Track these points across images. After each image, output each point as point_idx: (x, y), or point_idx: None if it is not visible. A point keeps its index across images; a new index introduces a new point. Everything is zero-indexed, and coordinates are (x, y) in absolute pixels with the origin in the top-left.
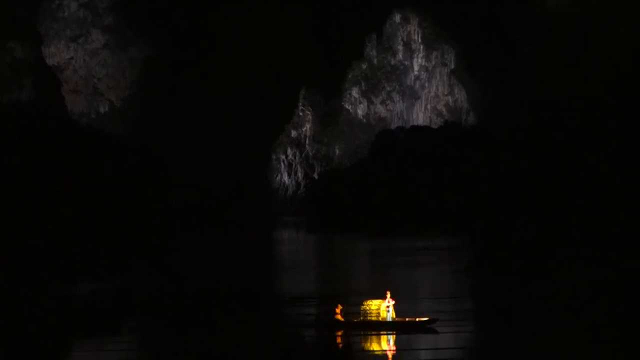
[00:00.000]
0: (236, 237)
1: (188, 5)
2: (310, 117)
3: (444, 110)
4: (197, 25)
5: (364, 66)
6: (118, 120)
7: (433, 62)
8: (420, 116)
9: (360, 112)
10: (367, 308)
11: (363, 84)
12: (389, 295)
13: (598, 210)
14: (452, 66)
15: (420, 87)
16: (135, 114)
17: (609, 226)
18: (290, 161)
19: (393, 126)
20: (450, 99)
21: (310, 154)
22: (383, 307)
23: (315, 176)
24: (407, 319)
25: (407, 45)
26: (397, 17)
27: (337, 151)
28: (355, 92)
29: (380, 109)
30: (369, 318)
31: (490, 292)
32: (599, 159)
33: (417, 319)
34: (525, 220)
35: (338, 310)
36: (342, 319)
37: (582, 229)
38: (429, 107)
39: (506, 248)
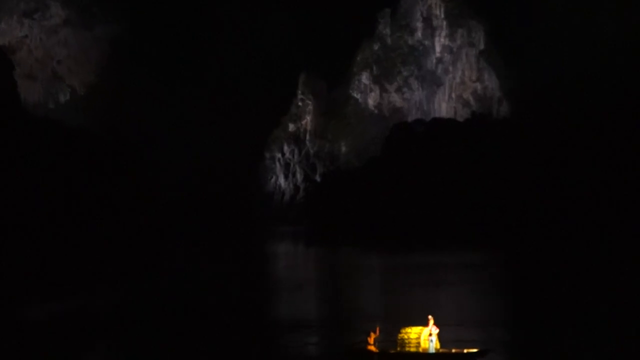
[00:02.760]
0: (221, 250)
1: None
2: (311, 107)
3: (471, 99)
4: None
5: (376, 47)
6: (82, 111)
7: (458, 42)
8: (443, 106)
9: (371, 101)
10: (406, 337)
11: (374, 68)
12: (431, 321)
13: None
14: (481, 46)
15: (443, 72)
16: (102, 104)
17: None
18: (288, 160)
19: (410, 118)
20: (478, 85)
21: (312, 151)
22: (425, 336)
23: (317, 178)
24: (453, 350)
25: (427, 21)
26: None
27: (344, 148)
28: (365, 78)
29: (395, 98)
30: (407, 349)
31: (534, 318)
32: None
33: (465, 351)
34: (566, 233)
35: (371, 340)
36: (376, 350)
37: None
38: (453, 95)
39: (542, 265)
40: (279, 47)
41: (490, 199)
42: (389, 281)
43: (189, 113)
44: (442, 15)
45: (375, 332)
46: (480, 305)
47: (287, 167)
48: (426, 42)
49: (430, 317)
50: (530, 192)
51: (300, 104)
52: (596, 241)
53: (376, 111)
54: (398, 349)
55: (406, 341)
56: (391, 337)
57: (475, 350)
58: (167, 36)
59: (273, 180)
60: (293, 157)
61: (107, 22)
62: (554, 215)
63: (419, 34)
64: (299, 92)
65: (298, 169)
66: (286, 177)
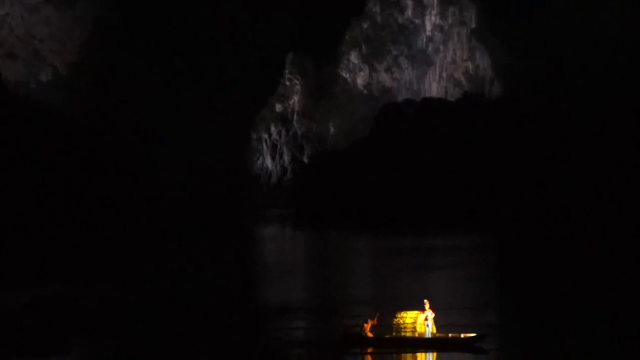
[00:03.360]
0: (208, 234)
1: None
2: (299, 87)
3: (463, 79)
4: None
5: (365, 25)
6: (64, 91)
7: (450, 21)
8: (433, 87)
9: (360, 81)
10: (402, 322)
11: (364, 47)
12: (427, 306)
13: None
14: (473, 25)
15: (434, 52)
16: (85, 84)
17: None
18: (275, 142)
19: (400, 99)
20: (470, 65)
21: (299, 132)
22: (421, 321)
23: (305, 160)
24: (450, 335)
25: (418, 0)
26: None
27: (332, 129)
28: (354, 57)
29: (385, 78)
30: (403, 334)
31: (526, 303)
32: None
33: (462, 336)
34: (558, 218)
35: (367, 327)
36: (372, 335)
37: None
38: (444, 75)
39: (534, 250)
40: (267, 27)
41: (481, 181)
42: (379, 265)
43: (176, 96)
44: None
45: (373, 320)
46: (471, 289)
47: (274, 148)
48: (417, 21)
49: (426, 301)
50: (523, 176)
51: (288, 83)
52: (588, 227)
53: (365, 91)
54: (394, 334)
55: (402, 326)
56: (383, 322)
57: (472, 335)
58: (151, 17)
59: (260, 162)
60: (280, 138)
61: (90, 0)
62: (547, 199)
63: (409, 12)
64: (287, 72)
65: (286, 150)
66: (273, 158)
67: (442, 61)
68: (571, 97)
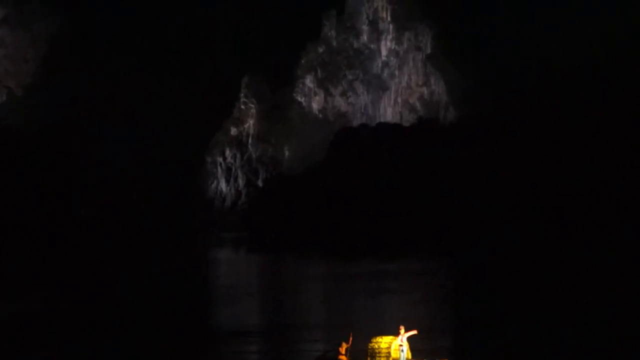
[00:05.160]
0: (160, 256)
1: None
2: (254, 111)
3: (417, 104)
4: None
5: (321, 49)
6: (19, 113)
7: (405, 46)
8: (388, 111)
9: (315, 105)
10: (376, 346)
11: (319, 71)
12: (402, 331)
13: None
14: (428, 50)
15: (389, 76)
16: (40, 105)
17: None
18: (229, 165)
19: (355, 123)
20: (425, 90)
21: (254, 156)
22: (395, 346)
23: (260, 183)
24: None
25: (373, 24)
26: None
27: (287, 153)
28: (309, 81)
29: (340, 102)
30: (377, 359)
31: (482, 325)
32: (605, 166)
33: None
34: (517, 240)
35: (342, 350)
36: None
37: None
38: (399, 100)
39: (488, 273)
40: (222, 49)
41: (435, 205)
42: (332, 290)
43: (131, 117)
44: (389, 19)
45: (347, 342)
46: (427, 313)
47: (228, 171)
48: (372, 46)
49: (401, 326)
50: (476, 199)
51: (243, 107)
52: (542, 249)
53: (320, 115)
54: (368, 358)
55: (376, 351)
56: (332, 345)
57: None
58: (109, 34)
59: (214, 185)
60: (235, 161)
61: (45, 19)
62: (500, 221)
63: (364, 37)
64: (242, 95)
65: (240, 174)
66: (228, 182)
67: (397, 86)
68: (526, 121)
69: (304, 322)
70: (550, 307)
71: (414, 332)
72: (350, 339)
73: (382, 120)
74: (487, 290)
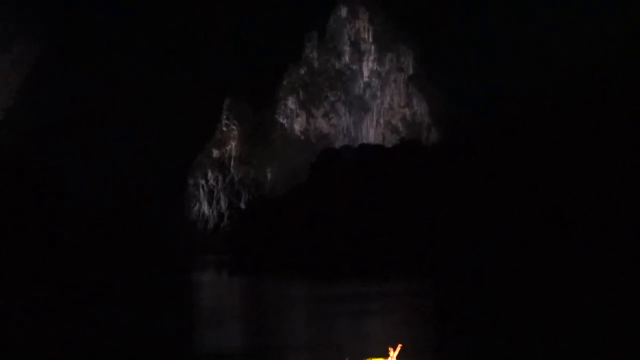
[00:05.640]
0: (143, 279)
1: None
2: (237, 133)
3: (400, 125)
4: (99, 16)
5: (303, 71)
6: (3, 132)
7: (387, 67)
8: (371, 133)
9: (297, 127)
10: None
11: (301, 92)
12: (393, 353)
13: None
14: (411, 72)
15: (372, 98)
16: (21, 129)
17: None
18: (212, 187)
19: (338, 145)
20: (408, 111)
21: (237, 178)
22: None
23: (242, 206)
24: None
25: (355, 45)
26: (344, 12)
27: (269, 175)
28: (291, 102)
29: (322, 124)
30: None
31: (466, 345)
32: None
33: None
34: (499, 261)
35: None
36: None
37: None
38: (381, 121)
39: (470, 294)
40: (204, 71)
41: (418, 227)
42: (315, 311)
43: (113, 140)
44: (371, 40)
45: None
46: (410, 334)
47: (211, 194)
48: (354, 67)
49: (390, 349)
50: (458, 220)
51: (225, 129)
52: (524, 269)
53: (303, 137)
54: None
55: None
56: None
57: None
58: (91, 56)
59: (197, 208)
60: (217, 184)
61: (26, 41)
62: (482, 242)
63: (346, 58)
64: (224, 117)
65: (222, 197)
66: (210, 204)
67: (379, 107)
68: (508, 142)
69: (287, 344)
70: (532, 327)
71: (399, 347)
72: None
73: (364, 141)
74: (470, 310)
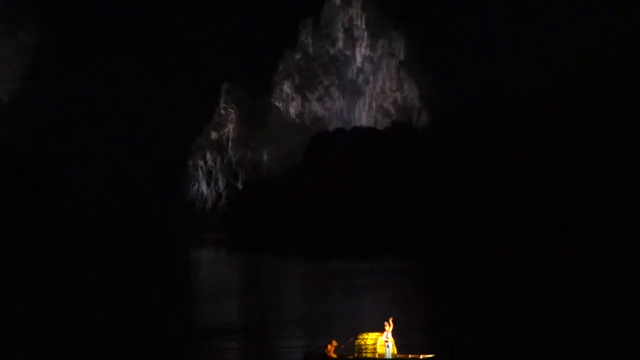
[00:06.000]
0: (143, 257)
1: None
2: (234, 116)
3: (391, 108)
4: (101, 6)
5: (298, 56)
6: (4, 120)
7: (379, 52)
8: (363, 116)
9: (292, 110)
10: (363, 342)
11: (296, 77)
12: (387, 327)
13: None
14: (402, 57)
15: (364, 82)
16: (25, 112)
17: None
18: (210, 168)
19: (331, 127)
20: (399, 95)
21: (234, 159)
22: (380, 342)
23: (239, 186)
24: (410, 356)
25: (348, 32)
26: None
27: (265, 156)
28: (287, 87)
29: (317, 107)
30: (364, 355)
31: (458, 323)
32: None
33: (421, 356)
34: (489, 238)
35: (331, 347)
36: (334, 356)
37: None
38: (374, 105)
39: (462, 273)
40: (203, 57)
41: (409, 206)
42: (310, 287)
43: (115, 123)
44: (363, 26)
45: (332, 343)
46: (403, 309)
47: (209, 174)
48: (347, 52)
49: (386, 323)
50: (448, 200)
51: (223, 112)
52: (515, 246)
53: (298, 120)
54: (355, 354)
55: (363, 347)
56: (312, 343)
57: (430, 355)
58: (92, 44)
59: (195, 187)
60: (215, 164)
61: (30, 28)
62: (473, 220)
63: (340, 44)
64: (222, 101)
65: (220, 177)
66: (208, 184)
67: (371, 91)
68: (498, 125)
69: (284, 319)
70: (525, 301)
71: (390, 320)
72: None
73: (357, 124)
74: (460, 287)
